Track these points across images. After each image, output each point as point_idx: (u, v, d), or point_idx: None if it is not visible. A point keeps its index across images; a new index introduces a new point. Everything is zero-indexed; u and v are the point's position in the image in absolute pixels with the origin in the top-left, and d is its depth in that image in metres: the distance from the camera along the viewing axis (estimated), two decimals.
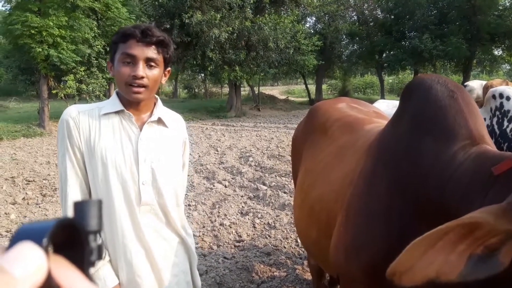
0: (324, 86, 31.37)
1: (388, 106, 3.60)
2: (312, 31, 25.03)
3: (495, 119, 3.01)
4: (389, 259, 1.25)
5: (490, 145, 1.16)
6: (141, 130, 1.46)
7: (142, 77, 1.37)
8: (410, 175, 1.23)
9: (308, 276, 3.18)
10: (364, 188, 1.41)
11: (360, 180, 1.45)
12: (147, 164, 1.45)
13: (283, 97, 27.98)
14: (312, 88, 28.53)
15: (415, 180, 1.20)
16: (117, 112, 1.46)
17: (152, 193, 1.46)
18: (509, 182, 0.92)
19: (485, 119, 3.49)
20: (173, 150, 1.56)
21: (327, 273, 2.56)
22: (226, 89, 27.28)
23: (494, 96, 2.92)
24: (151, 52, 1.39)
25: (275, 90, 35.57)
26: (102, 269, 1.44)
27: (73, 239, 0.34)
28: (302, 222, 2.03)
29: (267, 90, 32.77)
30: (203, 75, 23.46)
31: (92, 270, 0.34)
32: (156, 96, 1.55)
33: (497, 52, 25.50)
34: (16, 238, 0.30)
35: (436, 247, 0.79)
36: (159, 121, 1.52)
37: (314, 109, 2.44)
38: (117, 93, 1.50)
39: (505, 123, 2.89)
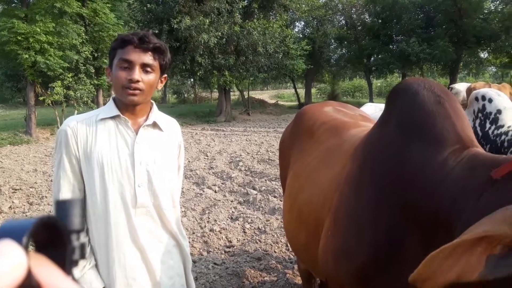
0: (313, 90, 31.54)
1: (375, 110, 3.63)
2: (301, 36, 25.20)
3: (477, 121, 3.05)
4: (377, 264, 1.25)
5: (479, 148, 1.17)
6: (137, 134, 1.50)
7: (138, 81, 1.42)
8: (398, 180, 1.22)
9: (299, 280, 3.17)
10: (350, 192, 1.40)
11: (346, 185, 1.44)
12: (143, 166, 1.49)
13: (272, 101, 28.11)
14: (302, 92, 28.66)
15: (404, 185, 1.19)
16: (113, 117, 1.50)
17: (147, 195, 1.50)
18: (507, 184, 0.92)
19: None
20: (168, 153, 1.60)
21: (316, 277, 2.56)
22: (215, 94, 27.27)
23: (476, 98, 2.96)
24: (148, 58, 1.44)
25: (265, 95, 35.71)
26: (87, 273, 1.45)
27: (55, 238, 0.33)
28: (291, 226, 2.02)
29: (257, 94, 32.87)
30: (192, 80, 23.44)
31: (75, 270, 0.34)
32: (152, 101, 1.60)
33: (483, 54, 25.93)
34: None
35: (454, 254, 0.79)
36: (155, 125, 1.56)
37: (301, 113, 2.44)
38: (114, 99, 1.54)
39: (487, 125, 2.93)
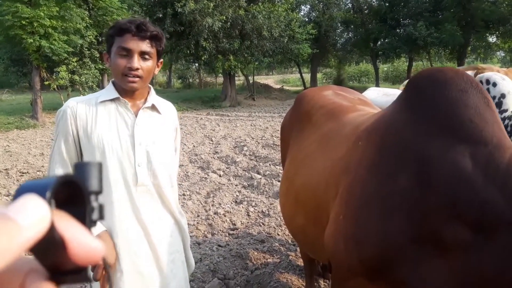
0: (319, 75, 31.33)
1: (378, 94, 3.62)
2: (307, 20, 24.92)
3: None
4: (399, 252, 1.21)
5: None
6: (136, 116, 1.56)
7: (137, 69, 1.48)
8: (442, 174, 1.16)
9: (301, 262, 3.23)
10: (368, 176, 1.35)
11: (362, 168, 1.39)
12: (143, 147, 1.55)
13: (278, 86, 27.97)
14: (307, 77, 28.48)
15: (449, 178, 1.15)
16: (113, 100, 1.56)
17: (147, 174, 1.56)
18: None
19: None
20: (166, 134, 1.66)
21: (314, 258, 2.60)
22: (220, 79, 27.17)
23: (481, 82, 2.94)
24: (145, 45, 1.49)
25: (270, 80, 35.54)
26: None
27: (75, 197, 0.34)
28: (288, 209, 2.05)
29: (262, 79, 32.69)
30: (197, 64, 23.31)
31: (93, 230, 0.36)
32: (150, 85, 1.66)
33: (491, 39, 25.54)
34: (19, 192, 0.31)
35: None
36: (153, 107, 1.62)
37: (300, 97, 2.45)
38: (113, 83, 1.59)
39: None
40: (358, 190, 1.37)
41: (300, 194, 1.87)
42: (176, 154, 1.80)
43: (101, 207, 0.36)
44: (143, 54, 1.49)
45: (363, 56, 30.05)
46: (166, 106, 1.71)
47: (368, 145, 1.42)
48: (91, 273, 1.35)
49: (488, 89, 2.88)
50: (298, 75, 30.71)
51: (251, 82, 22.34)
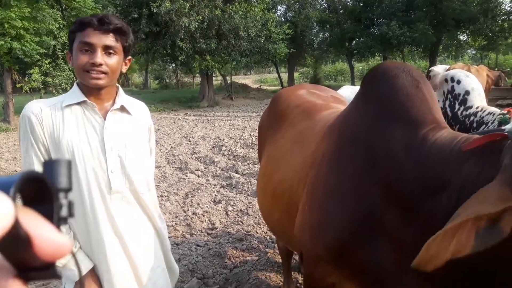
0: (296, 74, 31.58)
1: (351, 92, 3.71)
2: (283, 19, 25.08)
3: (447, 102, 3.17)
4: (355, 238, 1.30)
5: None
6: (105, 119, 1.47)
7: (101, 64, 1.39)
8: (379, 159, 1.26)
9: (279, 259, 3.29)
10: (329, 169, 1.45)
11: (324, 162, 1.49)
12: (114, 152, 1.47)
13: (256, 86, 28.07)
14: (285, 76, 28.67)
15: (386, 163, 1.24)
16: (79, 103, 1.46)
17: (122, 181, 1.49)
18: (483, 157, 1.01)
19: (438, 101, 3.69)
20: (138, 136, 1.58)
21: (293, 251, 2.67)
22: (198, 79, 27.03)
23: (446, 80, 3.07)
24: (109, 40, 1.40)
25: (248, 79, 35.58)
26: (76, 254, 1.46)
27: (42, 194, 0.34)
28: (265, 204, 2.11)
29: (240, 79, 32.71)
30: (174, 65, 23.17)
31: (63, 228, 0.37)
32: (118, 85, 1.57)
33: (462, 37, 26.32)
34: None
35: (447, 236, 0.89)
36: (122, 109, 1.53)
37: (276, 97, 2.51)
38: (78, 84, 1.50)
39: (457, 106, 3.05)
40: (320, 182, 1.46)
41: (276, 189, 1.93)
42: (152, 156, 1.72)
43: (70, 204, 0.36)
44: (107, 49, 1.40)
45: (339, 55, 30.48)
46: (137, 106, 1.63)
47: (330, 140, 1.52)
48: (59, 270, 1.35)
49: (452, 87, 3.01)
50: (276, 75, 30.86)
51: (229, 82, 22.33)
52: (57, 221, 0.34)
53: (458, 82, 2.97)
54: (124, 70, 1.54)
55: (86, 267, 1.47)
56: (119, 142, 1.49)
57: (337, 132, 1.50)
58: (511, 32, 24.14)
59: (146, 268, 1.57)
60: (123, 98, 1.55)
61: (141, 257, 1.56)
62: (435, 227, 0.93)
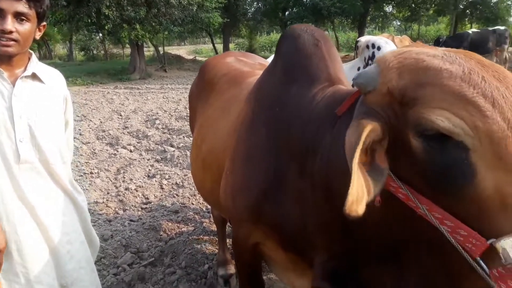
0: (231, 45, 31.21)
1: None
2: None
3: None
4: (267, 196, 1.38)
5: (345, 86, 1.31)
6: (14, 86, 1.42)
7: (11, 32, 1.33)
8: (281, 120, 1.33)
9: (215, 228, 3.33)
10: (245, 134, 1.50)
11: (242, 128, 1.54)
12: (24, 120, 1.42)
13: (190, 57, 27.30)
14: (220, 47, 28.20)
15: (285, 124, 1.31)
16: None
17: (31, 150, 1.44)
18: (347, 116, 1.04)
19: (359, 68, 3.87)
20: (52, 106, 1.53)
21: (226, 217, 2.72)
22: (128, 50, 25.64)
23: (368, 46, 3.22)
24: (21, 6, 1.35)
25: (182, 50, 34.51)
26: None
27: None
28: (197, 174, 2.12)
29: (174, 50, 31.63)
30: (100, 35, 21.70)
31: None
32: (31, 51, 1.52)
33: (388, 8, 27.60)
34: None
35: (357, 177, 0.85)
36: (34, 76, 1.48)
37: (204, 66, 2.47)
38: None
39: None
40: (239, 147, 1.52)
41: (206, 159, 1.94)
42: (69, 128, 1.68)
43: None
44: (18, 16, 1.35)
45: (273, 26, 30.51)
46: (51, 74, 1.58)
47: (248, 105, 1.56)
48: None
49: (373, 53, 3.16)
50: (211, 46, 30.26)
51: (161, 53, 21.48)
52: None
53: (379, 48, 3.12)
54: (37, 37, 1.49)
55: None
56: (29, 111, 1.44)
57: (253, 98, 1.55)
58: (432, 3, 25.79)
59: (61, 240, 1.53)
60: (35, 65, 1.51)
61: (55, 229, 1.52)
62: (318, 183, 1.00)
